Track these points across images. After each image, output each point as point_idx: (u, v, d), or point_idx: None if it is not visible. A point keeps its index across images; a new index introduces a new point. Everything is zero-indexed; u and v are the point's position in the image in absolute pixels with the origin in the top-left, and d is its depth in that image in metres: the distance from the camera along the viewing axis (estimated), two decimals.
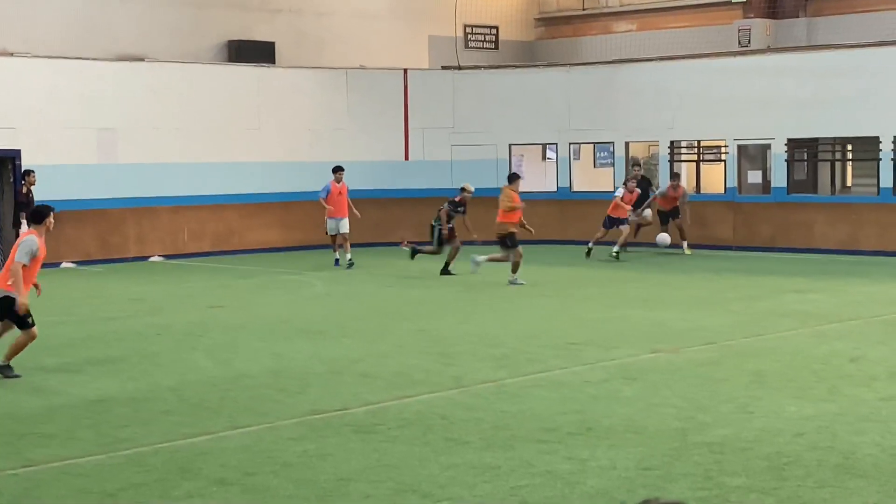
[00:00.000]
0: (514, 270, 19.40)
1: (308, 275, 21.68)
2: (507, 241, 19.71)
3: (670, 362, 11.84)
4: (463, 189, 21.57)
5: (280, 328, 14.64)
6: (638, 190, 24.72)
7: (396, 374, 11.32)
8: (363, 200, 27.87)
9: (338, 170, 23.46)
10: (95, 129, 24.49)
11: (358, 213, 23.64)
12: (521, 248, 19.59)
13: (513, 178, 20.73)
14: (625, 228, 23.91)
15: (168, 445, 8.68)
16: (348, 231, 23.25)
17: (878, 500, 7.09)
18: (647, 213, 25.11)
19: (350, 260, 22.74)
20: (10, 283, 11.39)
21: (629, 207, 24.29)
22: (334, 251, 23.25)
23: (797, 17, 28.79)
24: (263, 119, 26.77)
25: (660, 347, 12.68)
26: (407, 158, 28.54)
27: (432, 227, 21.69)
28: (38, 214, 11.91)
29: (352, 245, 23.56)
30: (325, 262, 23.15)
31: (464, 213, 21.48)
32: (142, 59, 25.74)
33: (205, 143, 25.92)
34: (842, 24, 27.78)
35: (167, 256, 25.30)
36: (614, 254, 23.47)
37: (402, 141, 28.49)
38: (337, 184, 23.35)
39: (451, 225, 21.34)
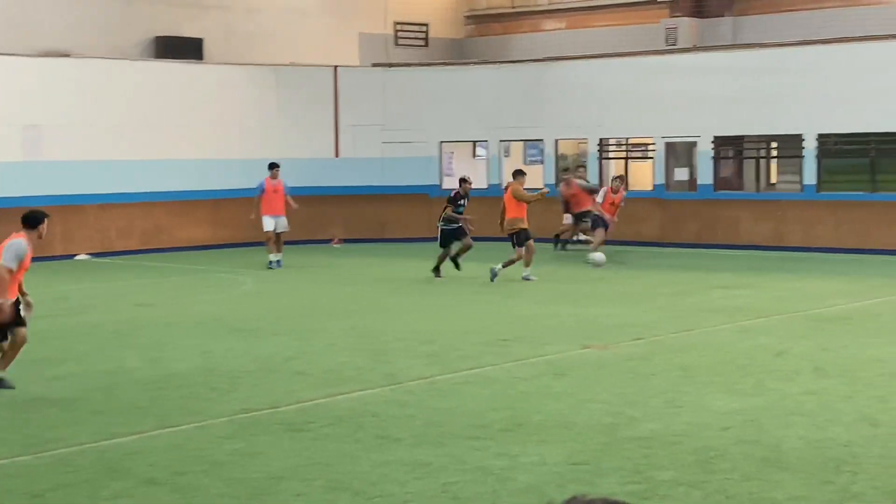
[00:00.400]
0: (527, 265, 19.21)
1: (239, 272, 21.54)
2: (521, 236, 19.30)
3: (600, 358, 11.93)
4: (463, 180, 20.78)
5: (211, 326, 14.53)
6: (623, 191, 23.58)
7: (328, 372, 11.29)
8: (294, 198, 27.77)
9: (273, 166, 22.89)
10: (20, 126, 24.11)
11: (294, 205, 22.71)
12: (532, 242, 19.37)
13: (518, 174, 20.40)
14: (600, 232, 22.89)
15: (97, 445, 8.58)
16: (287, 229, 22.57)
17: (803, 492, 7.21)
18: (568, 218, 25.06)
19: (279, 259, 22.22)
20: None
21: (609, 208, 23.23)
22: (269, 252, 22.33)
23: (723, 16, 29.14)
24: (192, 116, 26.53)
25: (589, 343, 12.78)
26: (337, 156, 28.46)
27: (440, 228, 20.44)
28: (33, 219, 10.95)
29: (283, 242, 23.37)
30: (257, 260, 23.00)
31: (465, 205, 20.50)
32: (67, 55, 25.40)
33: (132, 139, 25.62)
34: (766, 24, 28.18)
35: (94, 255, 24.99)
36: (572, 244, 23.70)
37: (333, 138, 28.41)
38: (272, 181, 22.76)
39: (458, 224, 20.21)
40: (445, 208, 20.46)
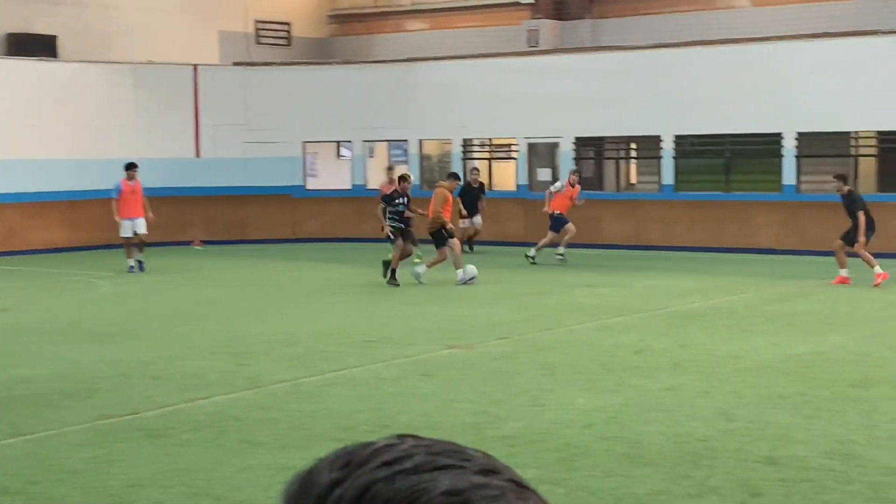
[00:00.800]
0: (458, 266, 18.79)
1: (96, 275, 21.06)
2: (443, 234, 19.00)
3: (465, 358, 11.99)
4: (403, 178, 19.79)
5: (66, 331, 14.17)
6: (579, 186, 22.81)
7: (189, 376, 11.10)
8: (153, 199, 27.23)
9: (130, 167, 22.18)
10: None
11: (151, 216, 21.96)
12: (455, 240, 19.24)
13: (453, 176, 20.83)
14: (570, 227, 22.34)
15: None
16: (146, 232, 21.85)
17: (664, 486, 7.34)
18: (478, 219, 25.14)
19: (141, 262, 21.70)
20: None
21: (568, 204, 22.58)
22: (128, 256, 21.62)
23: (583, 18, 29.59)
24: (46, 115, 25.83)
25: (455, 343, 12.82)
26: (198, 156, 28.06)
27: (388, 226, 19.31)
28: None
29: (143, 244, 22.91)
30: (114, 263, 22.51)
31: (407, 205, 19.22)
32: None
33: None
34: (625, 26, 28.73)
35: None
36: (559, 255, 22.19)
37: (193, 138, 28.00)
38: (129, 182, 22.08)
39: (397, 223, 19.06)
40: (382, 207, 19.52)
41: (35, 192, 25.76)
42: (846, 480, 7.42)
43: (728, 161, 24.65)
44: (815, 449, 8.11)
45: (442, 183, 20.44)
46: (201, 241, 27.33)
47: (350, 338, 13.30)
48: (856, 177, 24.17)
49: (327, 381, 10.83)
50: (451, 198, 19.70)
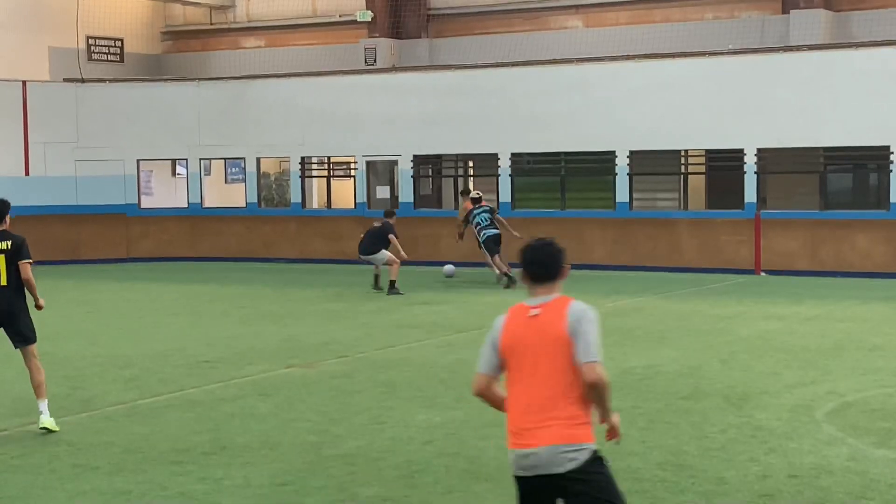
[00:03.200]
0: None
1: None
2: None
3: (304, 377, 11.92)
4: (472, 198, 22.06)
5: None
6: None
7: (18, 400, 10.76)
8: None
9: None
10: None
11: None
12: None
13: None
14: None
15: None
16: None
17: (503, 502, 7.42)
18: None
19: None
20: None
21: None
22: None
23: (420, 37, 29.81)
24: None
25: (294, 362, 12.74)
26: (27, 174, 27.25)
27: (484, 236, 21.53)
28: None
29: None
30: None
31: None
32: None
33: None
34: (462, 46, 29.04)
35: None
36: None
37: (23, 155, 27.17)
38: None
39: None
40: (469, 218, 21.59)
41: None
42: (679, 490, 7.63)
43: (563, 178, 25.13)
44: (648, 460, 8.32)
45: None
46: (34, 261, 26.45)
47: (185, 358, 13.09)
48: (685, 194, 24.95)
49: (163, 402, 10.64)
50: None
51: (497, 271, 21.28)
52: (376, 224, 21.00)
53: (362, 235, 21.08)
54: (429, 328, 15.52)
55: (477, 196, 22.07)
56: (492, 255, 21.30)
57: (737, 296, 19.28)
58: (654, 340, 14.18)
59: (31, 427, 9.62)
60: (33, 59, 29.70)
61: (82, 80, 28.36)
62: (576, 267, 24.35)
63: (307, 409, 10.22)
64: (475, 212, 21.67)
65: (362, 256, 20.77)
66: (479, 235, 21.49)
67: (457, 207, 27.08)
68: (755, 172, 23.10)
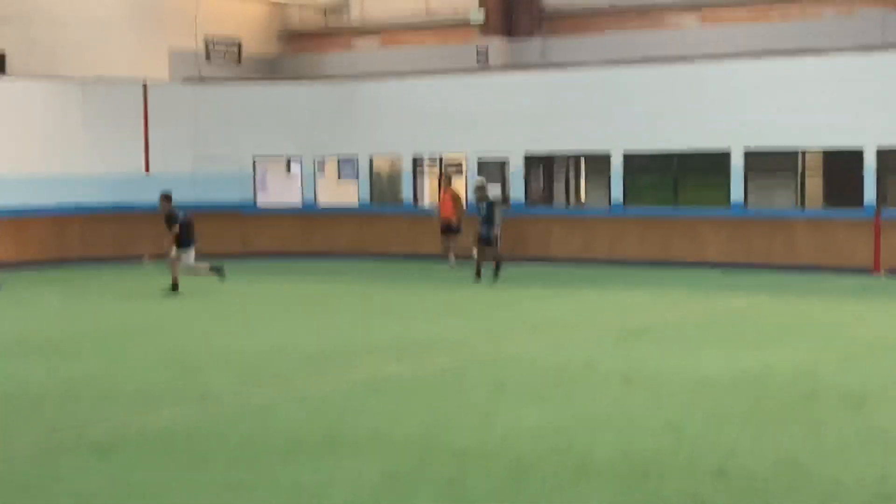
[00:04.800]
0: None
1: (44, 291, 20.82)
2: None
3: (415, 372, 11.96)
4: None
5: (12, 348, 13.99)
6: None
7: (137, 392, 11.00)
8: (100, 215, 27.11)
9: None
10: None
11: None
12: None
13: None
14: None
15: None
16: None
17: (614, 499, 7.36)
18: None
19: None
20: None
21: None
22: None
23: (532, 36, 29.73)
24: None
25: (404, 358, 12.79)
26: (147, 172, 27.85)
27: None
28: None
29: (88, 261, 22.73)
30: (62, 279, 22.25)
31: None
32: None
33: None
34: (575, 44, 28.89)
35: None
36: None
37: (143, 154, 27.79)
38: None
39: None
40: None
41: None
42: (793, 490, 7.47)
43: (676, 177, 24.82)
44: (763, 461, 8.17)
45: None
46: (152, 255, 27.08)
47: (299, 353, 13.24)
48: (802, 192, 24.46)
49: (276, 396, 10.77)
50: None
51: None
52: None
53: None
54: (540, 324, 15.46)
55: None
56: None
57: (855, 296, 18.84)
58: (770, 340, 13.93)
59: (150, 418, 9.82)
60: (154, 60, 30.38)
61: (201, 80, 28.87)
62: (689, 265, 24.16)
63: (417, 404, 10.26)
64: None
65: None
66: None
67: (567, 205, 26.94)
68: (875, 171, 22.55)
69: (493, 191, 26.78)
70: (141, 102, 27.73)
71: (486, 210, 21.62)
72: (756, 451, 8.43)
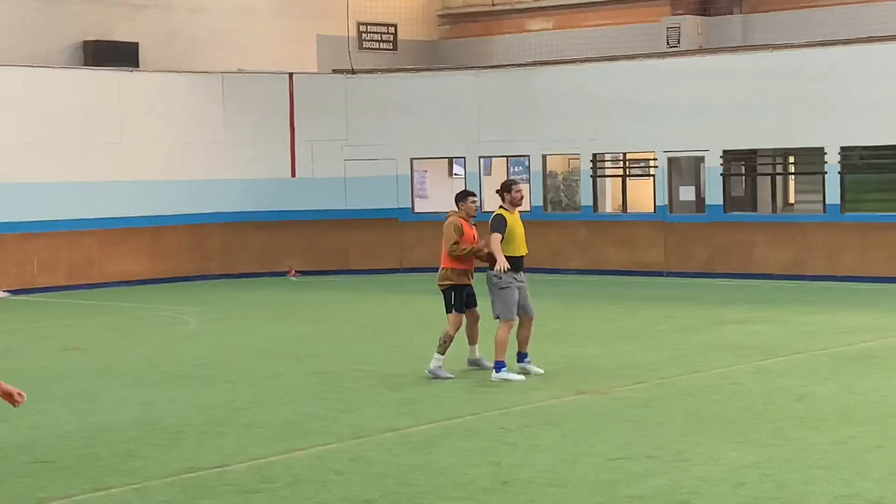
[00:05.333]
0: (472, 342, 14.19)
1: (182, 310, 21.47)
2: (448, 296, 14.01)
3: (597, 404, 11.94)
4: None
5: (149, 373, 14.46)
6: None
7: (285, 424, 11.25)
8: (244, 224, 27.83)
9: None
10: None
11: None
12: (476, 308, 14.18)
13: (461, 197, 14.58)
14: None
15: None
16: None
17: None
18: None
19: None
20: None
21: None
22: None
23: (731, 13, 29.38)
24: (126, 132, 26.50)
25: (585, 388, 12.78)
26: (294, 175, 28.48)
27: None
28: None
29: (227, 276, 23.36)
30: (202, 296, 22.93)
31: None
32: None
33: (57, 159, 25.55)
34: (781, 22, 28.43)
35: (13, 292, 24.87)
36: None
37: (289, 155, 28.43)
38: None
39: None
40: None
41: (114, 218, 26.39)
42: None
43: None
44: None
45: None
46: (298, 271, 27.71)
47: (464, 382, 13.34)
48: None
49: (440, 430, 10.88)
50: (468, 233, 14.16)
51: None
52: None
53: None
54: (741, 350, 15.25)
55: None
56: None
57: None
58: None
59: (299, 454, 10.04)
60: (300, 50, 31.05)
61: (352, 72, 29.39)
62: None
63: (600, 441, 10.24)
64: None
65: None
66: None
67: (774, 210, 26.49)
68: None
69: (687, 194, 26.60)
70: (287, 97, 28.35)
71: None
72: None
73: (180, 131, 27.26)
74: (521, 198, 14.08)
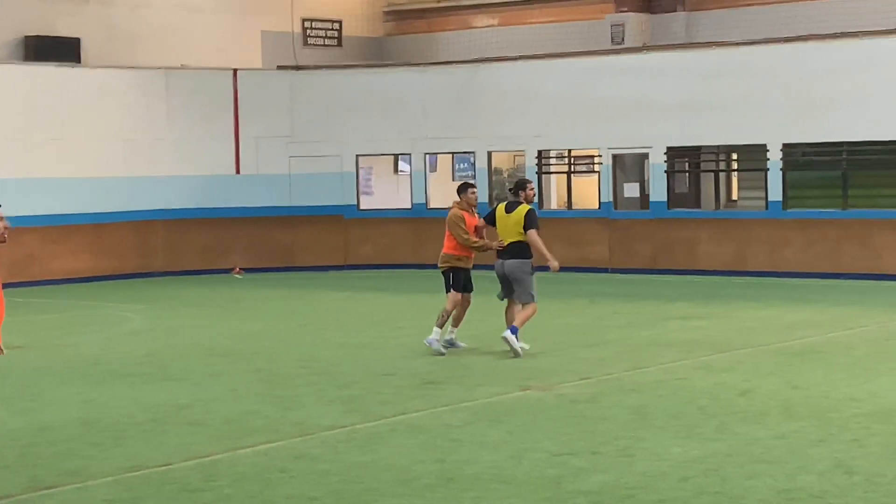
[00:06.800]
0: (455, 324, 15.55)
1: (125, 308, 21.33)
2: (448, 276, 15.50)
3: (542, 401, 11.97)
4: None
5: (91, 371, 14.36)
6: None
7: (229, 422, 11.20)
8: (188, 221, 27.65)
9: None
10: None
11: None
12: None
13: (463, 188, 15.63)
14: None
15: None
16: None
17: None
18: None
19: None
20: None
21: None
22: None
23: (675, 11, 29.52)
24: (68, 128, 26.27)
25: (530, 384, 12.81)
26: (238, 172, 28.35)
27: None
28: None
29: (171, 273, 23.24)
30: (145, 294, 22.78)
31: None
32: None
33: None
34: (724, 20, 28.60)
35: None
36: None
37: (233, 152, 28.30)
38: None
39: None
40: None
41: (56, 215, 26.16)
42: None
43: (845, 173, 24.40)
44: None
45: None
46: (241, 268, 27.58)
47: (411, 378, 13.34)
48: None
49: (385, 427, 10.87)
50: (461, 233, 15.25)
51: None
52: None
53: None
54: (685, 346, 15.35)
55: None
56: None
57: None
58: None
59: (244, 452, 10.00)
60: (245, 46, 30.91)
61: (297, 68, 29.30)
62: (861, 277, 23.74)
63: (545, 437, 10.27)
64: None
65: None
66: None
67: (718, 207, 26.66)
68: None
69: (631, 191, 26.73)
70: (231, 93, 28.21)
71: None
72: None
73: (123, 127, 27.05)
74: (535, 194, 15.91)
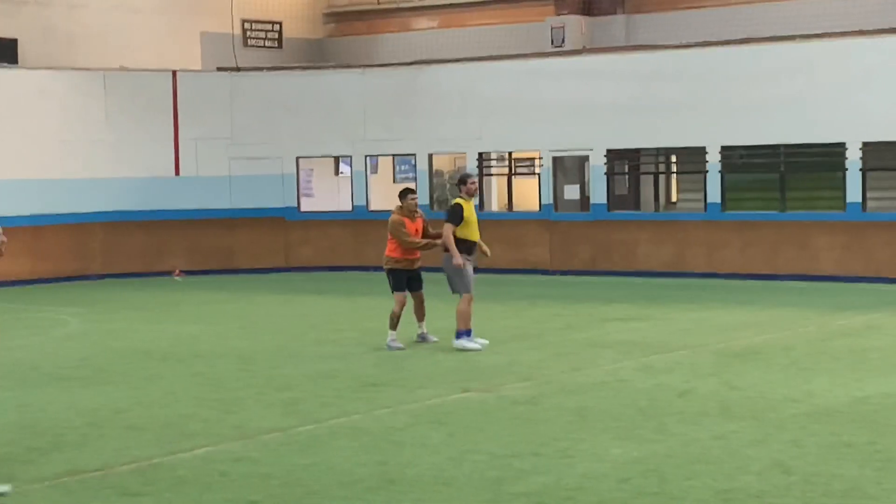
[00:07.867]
0: (419, 320, 16.20)
1: (62, 311, 21.13)
2: (390, 277, 16.07)
3: (483, 402, 11.99)
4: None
5: (27, 375, 14.21)
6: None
7: (168, 426, 11.13)
8: (126, 224, 27.46)
9: None
10: None
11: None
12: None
13: (404, 194, 16.04)
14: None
15: None
16: None
17: None
18: None
19: None
20: None
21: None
22: None
23: (615, 13, 29.67)
24: (5, 129, 26.01)
25: (471, 386, 12.83)
26: (178, 174, 28.18)
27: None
28: None
29: (109, 276, 23.04)
30: (83, 297, 22.59)
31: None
32: None
33: None
34: (663, 23, 28.78)
35: None
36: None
37: (172, 154, 28.12)
38: None
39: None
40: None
41: None
42: None
43: (783, 175, 24.63)
44: None
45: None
46: (182, 271, 27.42)
47: (351, 381, 13.32)
48: None
49: (326, 430, 10.85)
50: (403, 236, 15.75)
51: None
52: None
53: None
54: (624, 348, 15.43)
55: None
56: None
57: None
58: (893, 364, 13.78)
59: (183, 456, 9.94)
60: (184, 47, 30.73)
61: (237, 69, 29.17)
62: (798, 278, 23.94)
63: (486, 439, 10.29)
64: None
65: None
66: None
67: (657, 209, 26.82)
68: None
69: (572, 193, 26.83)
70: (170, 95, 28.04)
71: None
72: (878, 493, 8.36)
73: (60, 129, 26.81)
74: (476, 189, 16.09)
